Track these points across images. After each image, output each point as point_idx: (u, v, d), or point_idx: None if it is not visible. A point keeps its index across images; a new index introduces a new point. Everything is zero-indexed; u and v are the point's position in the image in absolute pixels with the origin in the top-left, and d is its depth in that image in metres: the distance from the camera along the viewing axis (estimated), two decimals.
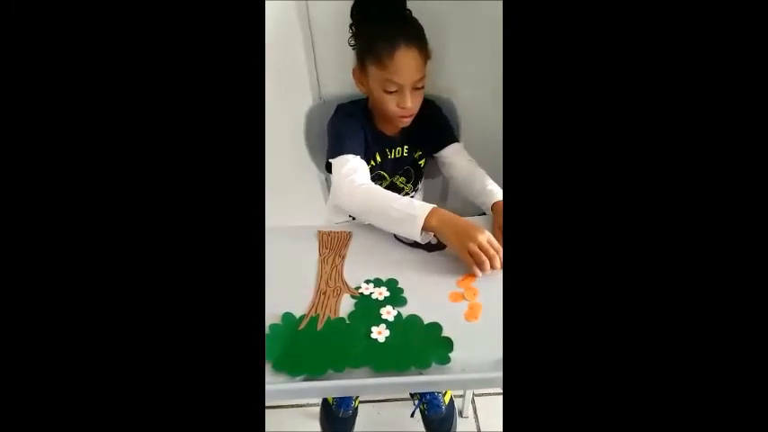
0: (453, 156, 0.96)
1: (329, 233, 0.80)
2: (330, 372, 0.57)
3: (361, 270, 0.72)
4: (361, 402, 1.17)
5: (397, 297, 0.68)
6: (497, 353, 0.57)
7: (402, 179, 1.00)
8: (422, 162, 1.00)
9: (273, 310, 0.63)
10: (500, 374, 0.54)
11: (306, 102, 1.02)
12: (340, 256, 0.75)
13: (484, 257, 0.67)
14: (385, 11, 0.80)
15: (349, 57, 0.87)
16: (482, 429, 1.22)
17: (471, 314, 0.65)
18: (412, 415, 1.12)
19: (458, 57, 1.01)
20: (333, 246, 0.78)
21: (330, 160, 0.86)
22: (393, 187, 0.99)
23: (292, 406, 1.24)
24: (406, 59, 0.79)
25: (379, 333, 0.62)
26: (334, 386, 0.58)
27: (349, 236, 0.80)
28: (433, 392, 1.11)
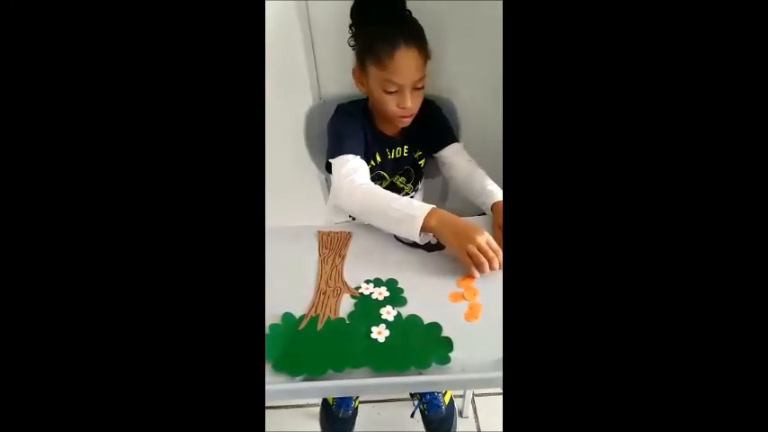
0: (453, 156, 0.96)
1: (329, 233, 0.80)
2: (330, 372, 0.57)
3: (360, 270, 0.72)
4: (361, 402, 1.17)
5: (396, 297, 0.68)
6: (497, 353, 0.57)
7: (402, 179, 1.00)
8: (422, 162, 1.00)
9: (273, 310, 0.63)
10: (500, 374, 0.55)
11: (306, 102, 1.02)
12: (340, 256, 0.75)
13: (483, 259, 0.67)
14: (385, 11, 0.80)
15: (349, 57, 0.87)
16: (482, 429, 1.22)
17: (471, 314, 0.65)
18: (412, 415, 1.12)
19: (458, 57, 1.01)
20: (333, 246, 0.78)
21: (330, 160, 0.86)
22: (393, 187, 0.99)
23: (292, 406, 1.24)
24: (405, 60, 0.79)
25: (379, 333, 0.62)
26: (334, 386, 0.58)
27: (349, 236, 0.80)
28: (433, 392, 1.11)
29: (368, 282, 0.70)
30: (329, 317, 0.64)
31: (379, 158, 0.94)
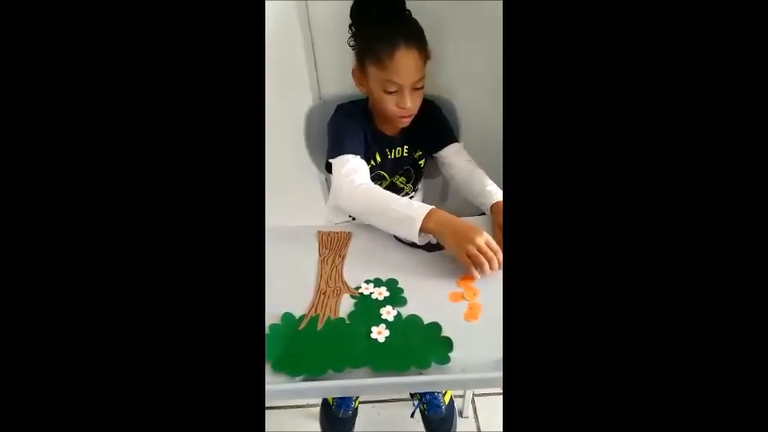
0: (453, 156, 0.96)
1: (329, 233, 0.80)
2: (330, 372, 0.57)
3: (360, 270, 0.72)
4: (361, 402, 1.17)
5: (396, 297, 0.68)
6: (497, 353, 0.57)
7: (402, 179, 1.00)
8: (422, 162, 1.00)
9: (273, 310, 0.63)
10: (500, 374, 0.55)
11: (306, 102, 1.02)
12: (340, 256, 0.75)
13: (482, 259, 0.67)
14: (385, 11, 0.80)
15: (349, 57, 0.87)
16: (482, 429, 1.21)
17: (471, 314, 0.65)
18: (412, 415, 1.12)
19: (458, 57, 1.01)
20: (333, 246, 0.78)
21: (330, 160, 0.86)
22: (393, 187, 0.99)
23: (292, 406, 1.24)
24: (405, 60, 0.79)
25: (379, 333, 0.62)
26: (334, 386, 0.58)
27: (349, 236, 0.80)
28: (433, 392, 1.11)
29: (368, 282, 0.70)
30: (329, 317, 0.64)
31: (379, 158, 0.94)
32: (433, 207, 0.73)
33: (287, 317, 0.64)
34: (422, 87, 0.85)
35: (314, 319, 0.64)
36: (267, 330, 0.61)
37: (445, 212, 0.72)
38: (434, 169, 1.02)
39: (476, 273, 0.68)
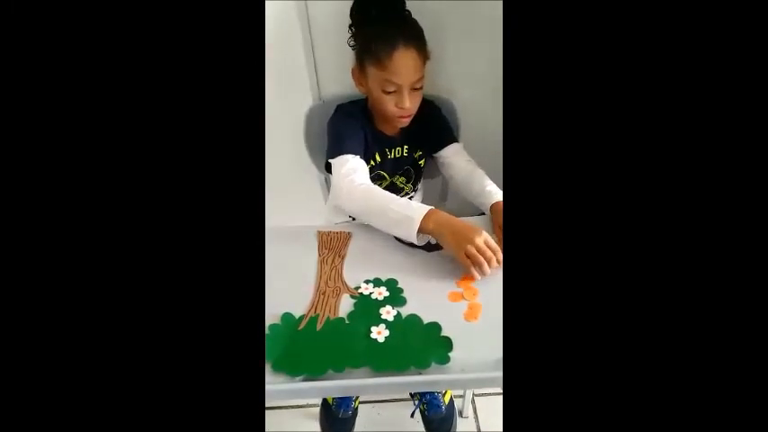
0: (453, 156, 0.96)
1: (329, 233, 0.80)
2: (330, 372, 0.57)
3: (360, 270, 0.72)
4: (361, 402, 1.17)
5: (396, 297, 0.68)
6: (497, 353, 0.57)
7: (402, 179, 1.00)
8: (422, 162, 1.00)
9: (273, 310, 0.63)
10: (500, 374, 0.55)
11: (306, 102, 1.02)
12: (339, 256, 0.75)
13: (481, 259, 0.67)
14: (384, 11, 0.80)
15: (349, 57, 0.87)
16: (482, 429, 1.22)
17: (471, 314, 0.65)
18: (412, 415, 1.12)
19: (458, 57, 1.01)
20: (332, 246, 0.78)
21: (330, 160, 0.86)
22: (393, 187, 0.99)
23: (292, 406, 1.24)
24: (404, 60, 0.79)
25: (379, 333, 0.62)
26: (334, 386, 0.58)
27: (349, 236, 0.80)
28: (433, 392, 1.11)
29: (367, 282, 0.70)
30: (329, 317, 0.64)
31: (378, 158, 0.94)
32: (432, 207, 0.73)
33: (287, 317, 0.64)
34: (421, 88, 0.85)
35: (313, 319, 0.64)
36: (267, 330, 0.61)
37: (444, 213, 0.72)
38: (434, 169, 1.03)
39: (475, 273, 0.68)
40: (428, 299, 0.67)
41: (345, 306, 0.66)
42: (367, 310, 0.65)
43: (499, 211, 0.81)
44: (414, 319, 0.64)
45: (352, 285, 0.70)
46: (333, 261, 0.74)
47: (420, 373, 0.57)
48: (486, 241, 0.68)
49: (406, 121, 0.88)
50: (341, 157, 0.84)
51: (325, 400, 1.13)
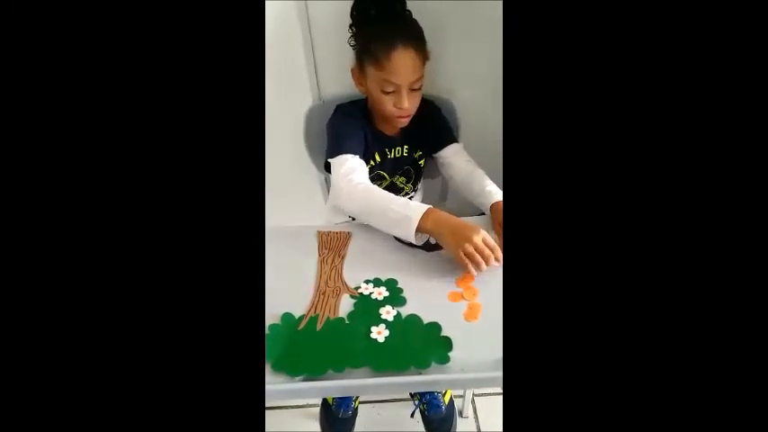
0: (453, 156, 0.96)
1: (329, 233, 0.80)
2: (330, 372, 0.57)
3: (360, 270, 0.72)
4: (361, 402, 1.17)
5: (396, 297, 0.68)
6: (497, 353, 0.57)
7: (402, 179, 1.00)
8: (422, 162, 1.00)
9: (273, 310, 0.63)
10: (500, 374, 0.55)
11: (306, 102, 1.02)
12: (339, 256, 0.75)
13: (479, 258, 0.67)
14: (384, 11, 0.80)
15: (349, 57, 0.87)
16: (482, 429, 1.22)
17: (471, 314, 0.65)
18: (412, 415, 1.12)
19: (458, 57, 1.01)
20: (332, 246, 0.78)
21: (329, 160, 0.86)
22: (393, 187, 0.99)
23: (292, 406, 1.24)
24: (403, 60, 0.79)
25: (379, 333, 0.62)
26: (334, 386, 0.58)
27: (348, 236, 0.80)
28: (433, 392, 1.11)
29: (367, 282, 0.70)
30: (329, 317, 0.64)
31: (378, 158, 0.94)
32: (431, 206, 0.73)
33: (287, 317, 0.64)
34: (420, 88, 0.85)
35: (313, 319, 0.64)
36: (267, 330, 0.61)
37: (443, 212, 0.72)
38: (434, 169, 1.02)
39: (473, 270, 0.68)
40: (428, 299, 0.67)
41: (345, 306, 0.66)
42: (367, 310, 0.65)
43: (499, 211, 0.81)
44: (414, 319, 0.64)
45: (352, 285, 0.70)
46: (333, 261, 0.74)
47: (420, 373, 0.57)
48: (485, 239, 0.68)
49: (405, 121, 0.88)
50: (340, 156, 0.84)
51: (325, 400, 1.13)
